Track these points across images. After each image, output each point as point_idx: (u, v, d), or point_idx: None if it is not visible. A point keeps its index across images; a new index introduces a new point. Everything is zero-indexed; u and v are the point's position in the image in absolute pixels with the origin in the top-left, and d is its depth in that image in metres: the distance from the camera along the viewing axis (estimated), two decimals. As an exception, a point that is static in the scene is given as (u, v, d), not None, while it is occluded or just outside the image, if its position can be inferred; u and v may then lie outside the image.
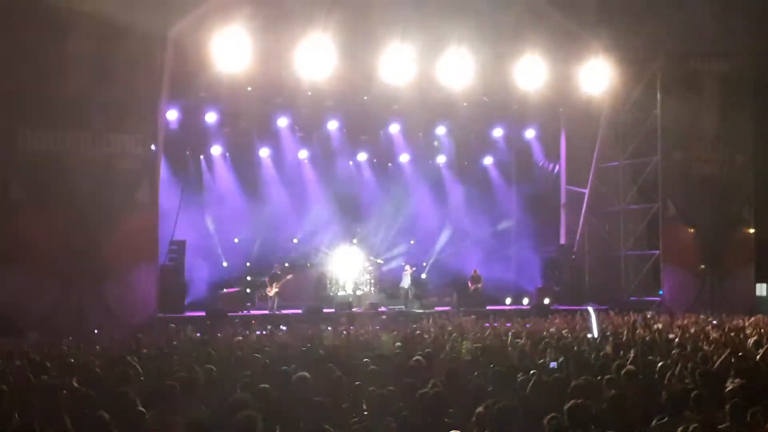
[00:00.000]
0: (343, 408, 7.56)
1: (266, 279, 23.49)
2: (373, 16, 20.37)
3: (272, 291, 23.04)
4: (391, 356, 10.82)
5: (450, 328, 15.74)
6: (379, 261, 27.00)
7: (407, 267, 25.97)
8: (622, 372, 8.67)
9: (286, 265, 24.80)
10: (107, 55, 18.80)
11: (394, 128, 27.17)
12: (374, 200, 28.32)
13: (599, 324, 15.83)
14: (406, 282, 25.72)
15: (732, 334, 13.08)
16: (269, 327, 17.34)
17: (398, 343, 12.67)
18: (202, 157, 25.80)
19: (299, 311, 22.21)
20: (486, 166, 29.81)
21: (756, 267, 26.34)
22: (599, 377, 8.54)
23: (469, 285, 26.09)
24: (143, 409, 6.92)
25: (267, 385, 7.60)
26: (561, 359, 10.15)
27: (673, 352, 10.90)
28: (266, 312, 22.34)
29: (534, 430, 6.35)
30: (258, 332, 16.13)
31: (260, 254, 26.17)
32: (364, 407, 7.61)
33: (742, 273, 26.03)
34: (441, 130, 27.76)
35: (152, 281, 19.66)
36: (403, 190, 28.70)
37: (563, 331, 14.96)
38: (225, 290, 23.56)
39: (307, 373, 8.13)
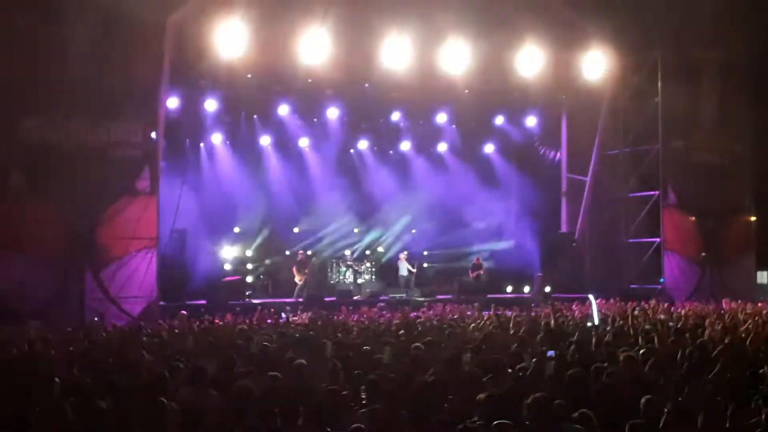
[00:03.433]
0: (343, 396, 7.58)
1: (294, 267, 23.62)
2: (372, 3, 20.29)
3: (301, 278, 23.15)
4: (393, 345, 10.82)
5: (450, 317, 15.78)
6: (379, 250, 26.96)
7: (402, 255, 26.00)
8: (621, 359, 8.69)
9: (309, 252, 24.88)
10: (107, 42, 18.64)
11: (395, 116, 27.03)
12: (375, 188, 28.23)
13: (600, 312, 15.89)
14: (403, 270, 25.75)
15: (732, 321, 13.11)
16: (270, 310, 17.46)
17: (401, 331, 12.72)
18: (202, 144, 25.72)
19: (300, 300, 22.25)
20: (487, 154, 29.74)
21: (757, 255, 26.35)
22: (598, 365, 8.55)
23: (470, 273, 26.15)
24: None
25: (275, 373, 7.62)
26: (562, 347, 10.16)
27: (672, 339, 10.93)
28: (267, 300, 22.34)
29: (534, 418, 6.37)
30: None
31: (260, 243, 26.18)
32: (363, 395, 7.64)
33: (742, 261, 26.07)
34: (442, 118, 27.64)
35: (153, 269, 19.59)
36: (405, 178, 28.63)
37: (561, 319, 14.99)
38: (226, 279, 23.59)
39: (304, 361, 8.16)
